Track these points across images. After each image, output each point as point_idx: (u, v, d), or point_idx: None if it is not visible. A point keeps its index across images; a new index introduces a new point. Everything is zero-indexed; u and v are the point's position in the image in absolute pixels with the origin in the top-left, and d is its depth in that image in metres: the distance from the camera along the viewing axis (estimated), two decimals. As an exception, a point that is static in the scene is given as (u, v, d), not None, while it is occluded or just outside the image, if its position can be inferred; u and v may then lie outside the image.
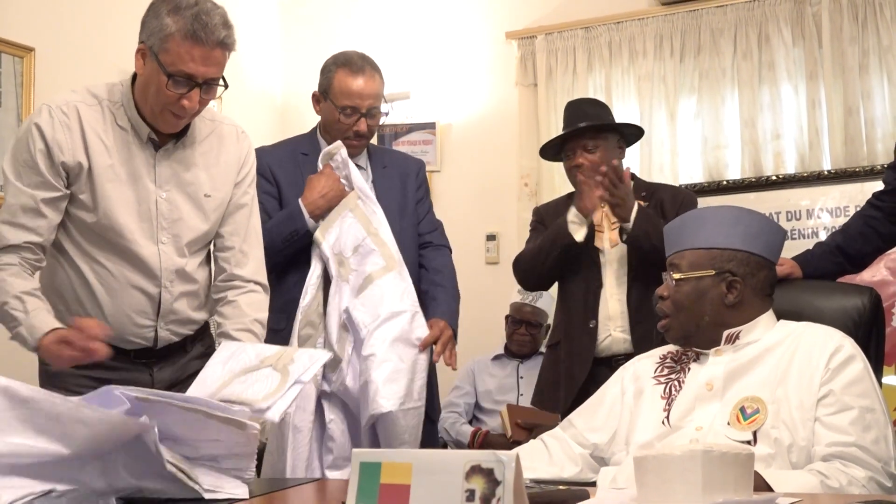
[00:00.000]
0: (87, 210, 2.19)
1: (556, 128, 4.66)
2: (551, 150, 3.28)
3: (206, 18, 2.10)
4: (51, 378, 2.22)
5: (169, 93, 2.14)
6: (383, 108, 2.88)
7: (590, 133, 3.10)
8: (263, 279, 2.42)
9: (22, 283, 2.13)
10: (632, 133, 3.30)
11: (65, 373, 2.20)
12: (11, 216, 2.14)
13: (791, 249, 3.57)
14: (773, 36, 4.28)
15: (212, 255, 2.44)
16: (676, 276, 2.07)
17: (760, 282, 2.06)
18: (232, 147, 2.38)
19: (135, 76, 2.24)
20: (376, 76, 2.83)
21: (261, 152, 2.69)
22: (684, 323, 2.06)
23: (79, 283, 2.23)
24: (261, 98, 5.13)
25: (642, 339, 2.87)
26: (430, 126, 4.95)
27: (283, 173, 2.79)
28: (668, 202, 3.07)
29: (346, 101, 2.77)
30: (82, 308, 2.23)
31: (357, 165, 2.84)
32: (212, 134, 2.36)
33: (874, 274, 3.83)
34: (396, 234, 2.72)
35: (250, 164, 2.44)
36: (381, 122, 2.93)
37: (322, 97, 2.84)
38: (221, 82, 2.20)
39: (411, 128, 4.96)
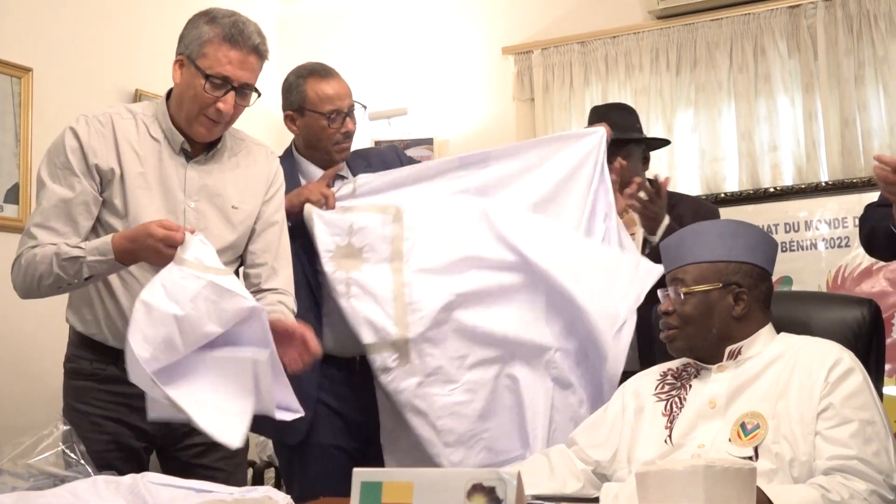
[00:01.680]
0: (118, 216, 2.22)
1: (553, 142, 4.66)
2: None
3: (242, 26, 2.24)
4: (76, 392, 2.28)
5: (206, 95, 2.21)
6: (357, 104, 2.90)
7: (613, 145, 3.01)
8: (292, 291, 2.45)
9: (57, 243, 2.16)
10: (657, 141, 3.28)
11: (87, 387, 2.26)
12: (44, 219, 2.18)
13: (788, 261, 3.60)
14: (769, 48, 4.29)
15: (242, 273, 2.47)
16: (684, 290, 2.07)
17: (763, 293, 2.07)
18: (261, 164, 2.45)
19: (169, 92, 2.32)
20: (341, 76, 2.88)
21: None
22: (692, 336, 2.06)
23: (106, 293, 2.26)
24: (258, 114, 5.12)
25: (647, 354, 2.85)
26: (428, 142, 4.95)
27: None
28: (688, 218, 2.94)
29: (330, 106, 2.78)
30: (110, 318, 2.26)
31: (339, 176, 2.88)
32: (241, 151, 2.43)
33: (873, 285, 3.83)
34: None
35: (279, 183, 2.49)
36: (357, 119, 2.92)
37: (298, 114, 2.83)
38: (255, 93, 2.29)
39: (409, 143, 4.96)
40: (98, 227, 2.24)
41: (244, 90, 2.26)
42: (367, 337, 2.63)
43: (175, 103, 2.30)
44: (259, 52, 2.26)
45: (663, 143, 3.37)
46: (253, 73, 2.27)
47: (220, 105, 2.23)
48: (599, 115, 3.19)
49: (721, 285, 2.04)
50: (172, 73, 2.28)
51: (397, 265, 2.70)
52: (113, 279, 2.24)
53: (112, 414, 2.24)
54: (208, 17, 2.25)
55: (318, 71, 2.84)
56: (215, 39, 2.21)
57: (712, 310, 2.04)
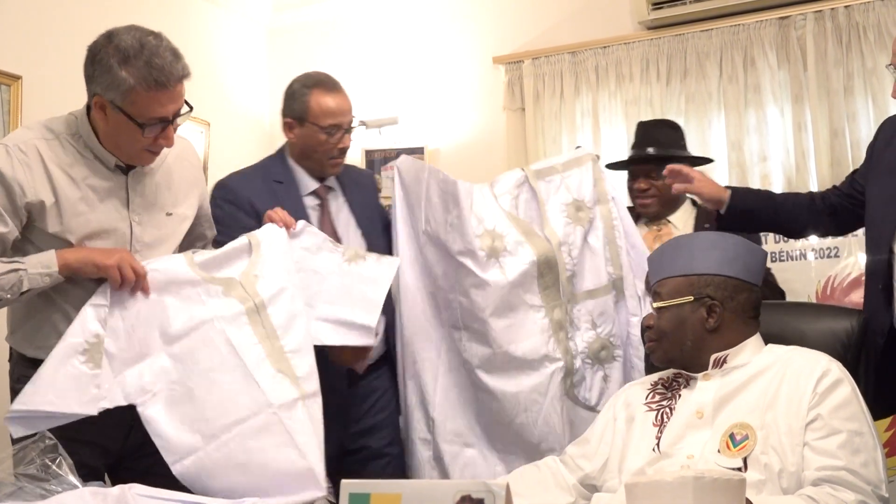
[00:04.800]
0: (59, 244, 2.15)
1: (543, 151, 4.68)
2: (616, 166, 3.45)
3: (159, 61, 2.09)
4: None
5: (145, 139, 2.15)
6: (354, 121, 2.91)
7: (654, 162, 3.15)
8: None
9: None
10: (698, 159, 3.39)
11: None
12: None
13: (777, 272, 3.59)
14: (759, 59, 4.31)
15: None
16: (657, 304, 2.09)
17: (741, 304, 2.07)
18: (185, 160, 2.43)
19: (88, 108, 2.21)
20: (345, 92, 2.87)
21: (238, 184, 2.76)
22: (668, 349, 2.08)
23: (59, 317, 2.19)
24: (248, 123, 5.13)
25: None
26: (419, 151, 4.95)
27: (263, 205, 2.68)
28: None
29: (331, 121, 2.76)
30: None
31: (328, 187, 2.88)
32: (169, 152, 2.37)
33: (862, 295, 3.84)
34: (382, 246, 2.82)
35: (201, 173, 2.53)
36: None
37: (297, 123, 2.81)
38: (185, 107, 2.22)
39: (400, 153, 4.94)
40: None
41: (178, 115, 2.19)
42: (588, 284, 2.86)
43: (106, 136, 2.19)
44: (183, 78, 2.16)
45: (705, 161, 3.48)
46: (181, 98, 2.18)
47: (161, 141, 2.18)
48: (644, 130, 3.34)
49: (693, 298, 2.05)
50: (95, 112, 2.16)
51: (605, 207, 2.89)
52: (65, 305, 2.18)
53: (74, 435, 2.09)
54: (119, 55, 2.09)
55: (325, 83, 2.83)
56: (138, 87, 2.08)
57: (684, 323, 2.05)
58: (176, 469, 2.08)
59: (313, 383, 2.21)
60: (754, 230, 2.78)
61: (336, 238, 2.74)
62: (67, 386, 2.07)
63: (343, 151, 2.83)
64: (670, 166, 2.68)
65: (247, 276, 2.30)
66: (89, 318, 2.13)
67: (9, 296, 2.11)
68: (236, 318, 2.22)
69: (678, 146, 3.28)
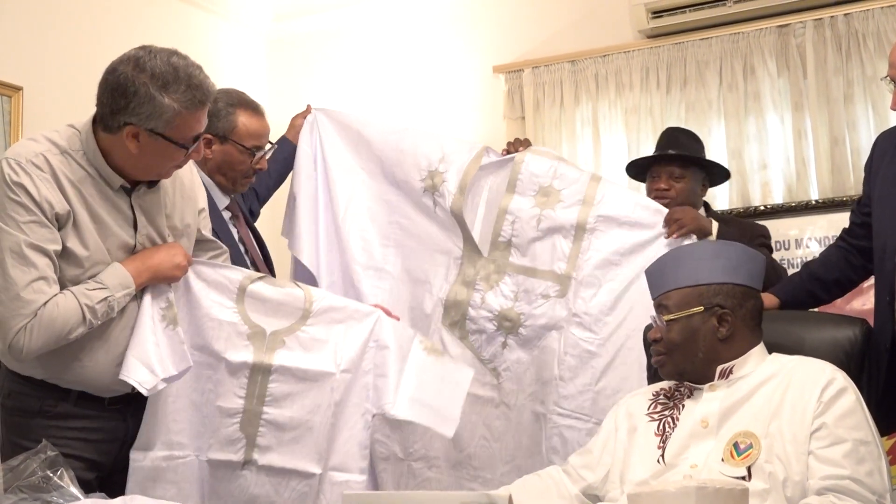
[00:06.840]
0: (77, 261, 2.11)
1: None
2: (635, 169, 3.45)
3: (196, 81, 2.08)
4: (21, 430, 2.15)
5: (181, 158, 2.15)
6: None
7: (678, 162, 3.22)
8: None
9: (74, 288, 2.10)
10: (717, 173, 3.42)
11: (35, 424, 2.14)
12: (41, 274, 2.04)
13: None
14: (759, 67, 4.31)
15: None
16: (667, 317, 2.07)
17: (749, 311, 2.07)
18: (186, 179, 2.38)
19: (94, 123, 2.15)
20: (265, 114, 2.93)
21: None
22: (679, 362, 2.06)
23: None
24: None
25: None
26: (419, 160, 4.95)
27: None
28: (734, 236, 2.97)
29: (254, 142, 2.80)
30: (70, 365, 2.16)
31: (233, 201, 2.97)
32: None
33: (864, 303, 3.83)
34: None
35: (203, 190, 2.50)
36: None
37: (219, 140, 2.77)
38: None
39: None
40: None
41: None
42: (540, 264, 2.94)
43: (130, 160, 2.12)
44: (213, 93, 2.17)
45: (724, 175, 3.49)
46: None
47: (193, 155, 2.18)
48: (669, 134, 3.43)
49: (703, 308, 2.04)
50: (127, 142, 2.09)
51: (586, 209, 2.92)
52: None
53: (67, 450, 2.02)
54: (156, 82, 2.04)
55: (249, 104, 2.85)
56: (182, 111, 2.06)
57: (696, 334, 2.04)
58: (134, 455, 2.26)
59: (271, 458, 2.33)
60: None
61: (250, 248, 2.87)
62: (164, 350, 2.22)
63: (256, 171, 2.87)
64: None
65: (276, 336, 2.37)
66: (160, 294, 2.28)
67: (99, 322, 2.12)
68: (240, 368, 2.34)
69: (699, 154, 3.34)
